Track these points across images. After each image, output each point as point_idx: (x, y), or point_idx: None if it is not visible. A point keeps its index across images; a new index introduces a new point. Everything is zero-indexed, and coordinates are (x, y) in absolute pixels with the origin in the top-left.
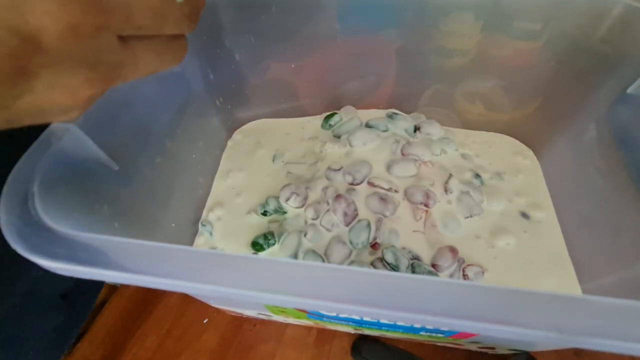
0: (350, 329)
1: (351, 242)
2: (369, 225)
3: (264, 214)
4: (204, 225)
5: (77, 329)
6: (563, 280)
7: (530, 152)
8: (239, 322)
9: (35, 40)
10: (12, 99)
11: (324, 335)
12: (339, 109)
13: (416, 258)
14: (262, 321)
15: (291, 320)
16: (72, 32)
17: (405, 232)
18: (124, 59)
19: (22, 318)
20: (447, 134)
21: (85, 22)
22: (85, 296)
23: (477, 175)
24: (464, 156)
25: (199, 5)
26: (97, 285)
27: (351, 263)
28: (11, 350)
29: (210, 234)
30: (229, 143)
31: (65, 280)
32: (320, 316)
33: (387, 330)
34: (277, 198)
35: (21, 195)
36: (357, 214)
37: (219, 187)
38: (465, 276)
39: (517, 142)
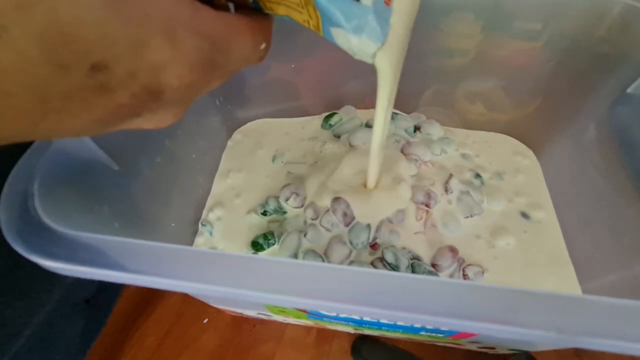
0: (350, 329)
1: (351, 242)
2: (368, 225)
3: (264, 214)
4: (204, 225)
5: (97, 333)
6: (563, 280)
7: (530, 152)
8: (239, 322)
9: (158, 95)
10: (112, 128)
11: (324, 335)
12: (339, 109)
13: (416, 258)
14: (262, 321)
15: (291, 320)
16: (187, 88)
17: (406, 232)
18: (202, 92)
19: (54, 324)
20: (447, 134)
21: (199, 81)
22: (105, 301)
23: (478, 175)
24: (464, 156)
25: (270, 43)
26: (116, 289)
27: (351, 263)
28: (40, 355)
29: (210, 233)
30: (229, 143)
31: (90, 285)
32: (320, 316)
33: (387, 330)
34: (277, 198)
35: (21, 195)
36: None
37: (218, 187)
38: (465, 276)
39: (517, 142)
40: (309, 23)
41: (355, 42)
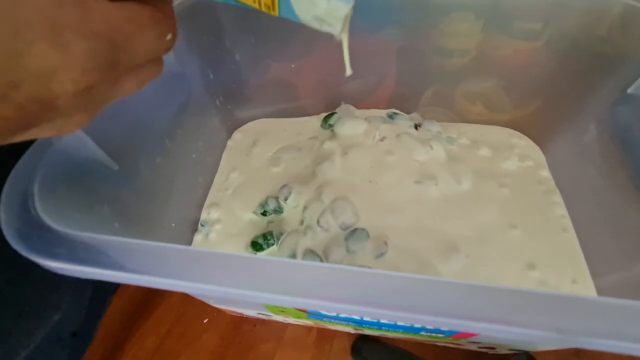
0: (350, 329)
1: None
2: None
3: (264, 214)
4: (203, 225)
5: None
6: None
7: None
8: (239, 322)
9: (51, 103)
10: (6, 140)
11: (324, 335)
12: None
13: None
14: (262, 321)
15: (291, 320)
16: (86, 92)
17: None
18: (114, 95)
19: (39, 358)
20: (448, 132)
21: (101, 83)
22: (89, 330)
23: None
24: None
25: (176, 33)
26: (98, 315)
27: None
28: None
29: (210, 234)
30: (229, 143)
31: (78, 316)
32: (320, 316)
33: (387, 330)
34: (276, 198)
35: (21, 195)
36: None
37: (218, 187)
38: None
39: (514, 130)
40: (259, 3)
41: (323, 5)
